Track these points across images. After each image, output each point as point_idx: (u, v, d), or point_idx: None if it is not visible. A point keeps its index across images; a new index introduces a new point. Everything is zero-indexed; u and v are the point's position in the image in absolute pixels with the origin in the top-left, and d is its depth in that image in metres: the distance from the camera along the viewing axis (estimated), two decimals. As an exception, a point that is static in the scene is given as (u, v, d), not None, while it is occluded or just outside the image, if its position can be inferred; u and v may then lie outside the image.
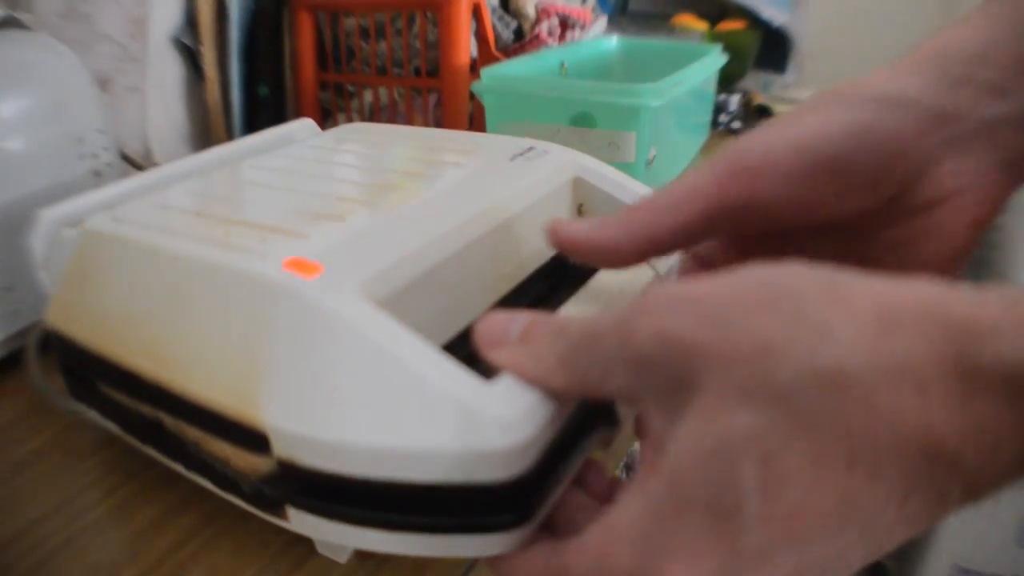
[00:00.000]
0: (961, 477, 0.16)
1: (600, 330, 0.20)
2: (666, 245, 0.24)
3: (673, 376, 0.18)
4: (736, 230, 0.24)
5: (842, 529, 0.17)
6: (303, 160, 0.39)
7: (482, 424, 0.21)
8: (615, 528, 0.19)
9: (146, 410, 0.29)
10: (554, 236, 0.26)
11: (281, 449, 0.24)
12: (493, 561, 0.23)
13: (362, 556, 0.29)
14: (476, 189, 0.34)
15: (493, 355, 0.23)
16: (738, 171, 0.23)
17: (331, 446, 0.23)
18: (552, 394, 0.22)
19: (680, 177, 0.24)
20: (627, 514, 0.19)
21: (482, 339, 0.23)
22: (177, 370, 0.27)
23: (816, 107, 0.24)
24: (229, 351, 0.26)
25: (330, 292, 0.25)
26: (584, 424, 0.26)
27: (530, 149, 0.39)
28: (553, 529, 0.24)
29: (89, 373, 0.32)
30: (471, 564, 0.30)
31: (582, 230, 0.25)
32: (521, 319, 0.23)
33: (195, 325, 0.27)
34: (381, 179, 0.36)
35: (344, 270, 0.26)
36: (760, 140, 0.24)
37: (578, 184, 0.39)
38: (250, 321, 0.26)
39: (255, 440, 0.25)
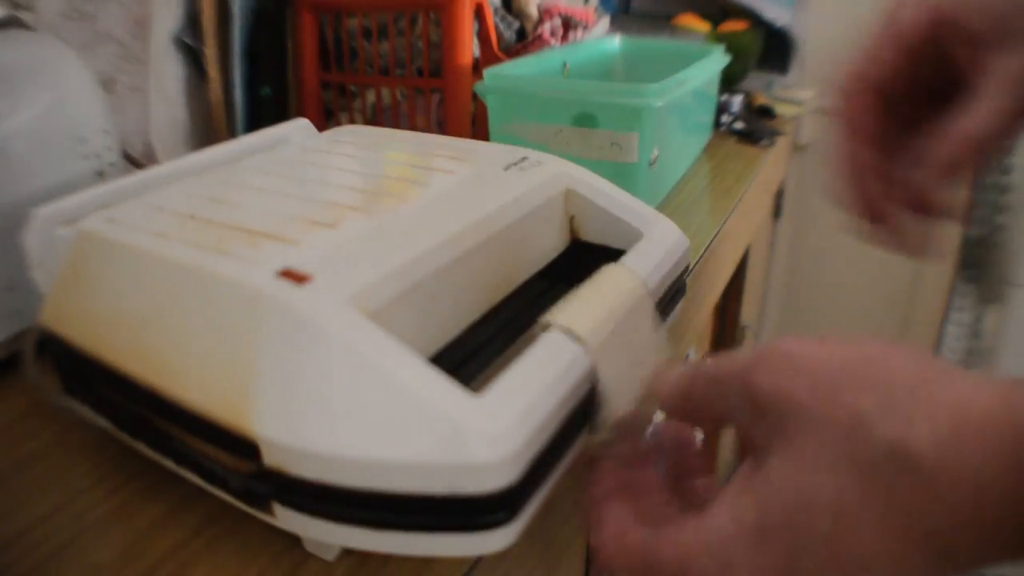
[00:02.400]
0: (1005, 547, 0.19)
1: (724, 376, 0.24)
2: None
3: (781, 422, 0.22)
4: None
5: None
6: (298, 164, 0.39)
7: (468, 437, 0.22)
8: (704, 533, 0.22)
9: (137, 410, 0.29)
10: None
11: (270, 458, 0.24)
12: (594, 531, 0.26)
13: (364, 557, 0.30)
14: (469, 199, 0.34)
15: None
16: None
17: (320, 457, 0.23)
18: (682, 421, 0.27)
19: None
20: (717, 523, 0.22)
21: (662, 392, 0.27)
22: (168, 376, 0.28)
23: None
24: (220, 359, 0.26)
25: (319, 303, 0.25)
26: (571, 426, 0.26)
27: (524, 159, 0.39)
28: (629, 502, 0.27)
29: (82, 372, 0.32)
30: (473, 564, 0.30)
31: None
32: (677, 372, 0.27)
33: (186, 332, 0.27)
34: (374, 185, 0.36)
35: (334, 280, 0.26)
36: None
37: (570, 196, 0.39)
38: (240, 330, 0.26)
39: (245, 448, 0.25)
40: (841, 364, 0.22)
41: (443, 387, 0.23)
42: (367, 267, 0.27)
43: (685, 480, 0.29)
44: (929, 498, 0.19)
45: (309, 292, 0.25)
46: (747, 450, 0.28)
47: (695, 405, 0.26)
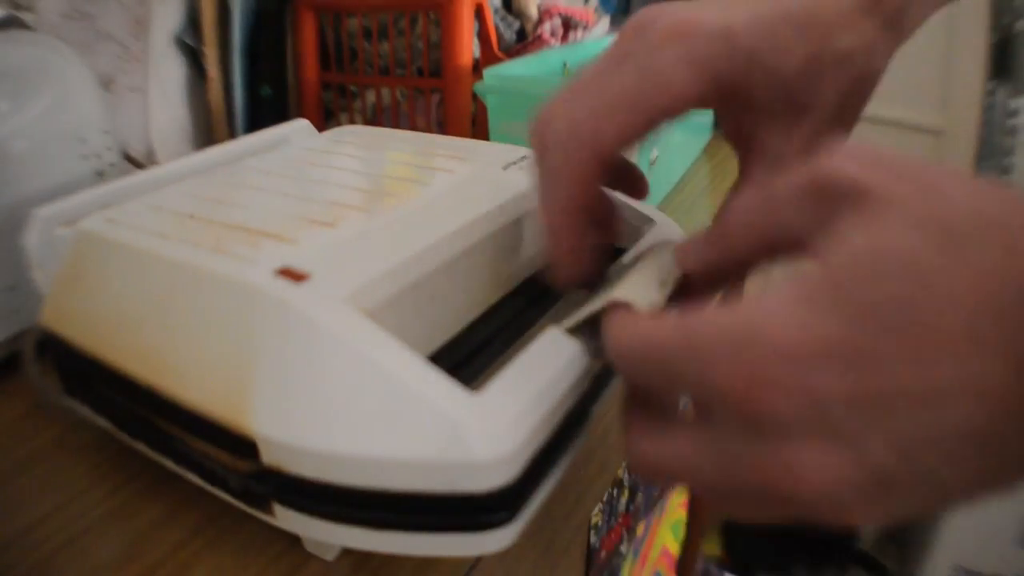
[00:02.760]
0: None
1: (774, 186, 0.22)
2: None
3: (847, 200, 0.20)
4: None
5: (955, 373, 0.17)
6: (297, 163, 0.39)
7: (467, 436, 0.22)
8: (768, 301, 0.20)
9: (137, 410, 0.29)
10: None
11: (269, 456, 0.24)
12: (608, 326, 0.23)
13: (364, 557, 0.30)
14: (468, 197, 0.34)
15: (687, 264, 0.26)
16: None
17: (318, 455, 0.23)
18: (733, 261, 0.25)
19: None
20: (779, 294, 0.20)
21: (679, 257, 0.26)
22: (167, 375, 0.28)
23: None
24: (218, 357, 0.26)
25: (317, 301, 0.25)
26: (572, 424, 0.26)
27: (523, 158, 0.39)
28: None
29: (82, 372, 0.32)
30: (473, 564, 0.30)
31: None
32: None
33: (185, 331, 0.27)
34: (374, 184, 0.36)
35: (332, 279, 0.26)
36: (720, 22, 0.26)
37: None
38: (239, 328, 0.26)
39: (244, 447, 0.25)
40: (917, 161, 0.20)
41: (442, 385, 0.23)
42: (365, 265, 0.27)
43: None
44: (1010, 255, 0.18)
45: (307, 290, 0.25)
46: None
47: (749, 230, 0.23)
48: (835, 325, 0.18)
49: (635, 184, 0.34)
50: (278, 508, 0.26)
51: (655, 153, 0.62)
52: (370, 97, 0.78)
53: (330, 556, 0.29)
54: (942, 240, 0.18)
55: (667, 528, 0.84)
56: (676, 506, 0.88)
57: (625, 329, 0.22)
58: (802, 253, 0.22)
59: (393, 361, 0.23)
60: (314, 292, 0.25)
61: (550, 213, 0.28)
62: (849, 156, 0.21)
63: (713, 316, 0.20)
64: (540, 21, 0.81)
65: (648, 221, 0.37)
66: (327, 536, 0.25)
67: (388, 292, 0.27)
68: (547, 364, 0.25)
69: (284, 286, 0.25)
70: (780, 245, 0.23)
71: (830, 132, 0.28)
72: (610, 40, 0.34)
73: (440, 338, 0.30)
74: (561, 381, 0.25)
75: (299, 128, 0.49)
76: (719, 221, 0.25)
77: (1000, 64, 1.06)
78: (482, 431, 0.22)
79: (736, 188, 0.31)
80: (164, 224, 0.31)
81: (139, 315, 0.29)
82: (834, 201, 0.21)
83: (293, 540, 0.30)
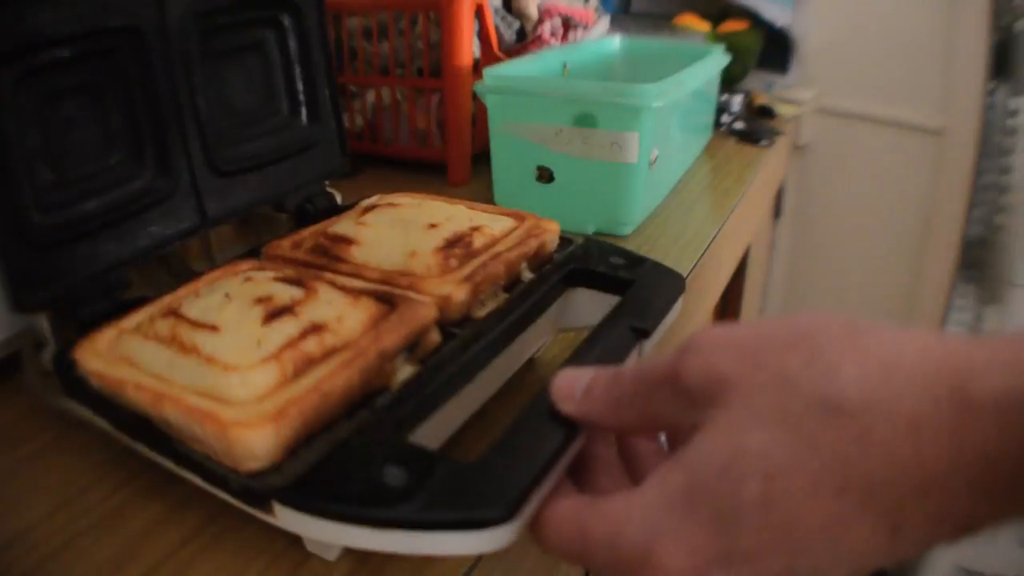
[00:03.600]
0: (953, 512, 0.18)
1: (651, 374, 0.23)
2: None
3: (710, 399, 0.21)
4: None
5: (828, 549, 0.19)
6: None
7: None
8: (634, 506, 0.22)
9: (136, 413, 0.29)
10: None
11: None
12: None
13: (363, 556, 0.29)
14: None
15: (564, 408, 0.26)
16: None
17: None
18: (613, 431, 0.26)
19: None
20: (646, 497, 0.22)
21: (556, 395, 0.26)
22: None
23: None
24: None
25: None
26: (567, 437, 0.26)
27: None
28: (577, 476, 0.27)
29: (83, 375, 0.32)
30: (474, 564, 0.30)
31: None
32: (585, 375, 0.26)
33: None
34: None
35: None
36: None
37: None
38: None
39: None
40: (767, 332, 0.21)
41: None
42: None
43: (634, 453, 0.28)
44: (861, 445, 0.18)
45: None
46: (672, 439, 0.28)
47: (625, 409, 0.24)
48: (704, 533, 0.20)
49: None
50: (278, 508, 0.26)
51: (655, 153, 0.62)
52: (370, 97, 0.78)
53: (331, 556, 0.29)
54: (792, 436, 0.19)
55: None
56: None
57: (543, 511, 0.24)
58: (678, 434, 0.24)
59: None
60: None
61: None
62: (700, 351, 0.22)
63: (601, 515, 0.22)
64: (540, 21, 0.81)
65: None
66: (328, 536, 0.25)
67: None
68: None
69: None
70: (657, 425, 0.25)
71: None
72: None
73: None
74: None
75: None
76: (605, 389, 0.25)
77: (1000, 64, 1.05)
78: None
79: None
80: None
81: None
82: (693, 394, 0.22)
83: (293, 540, 0.30)
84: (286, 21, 0.47)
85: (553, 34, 0.81)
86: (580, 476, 0.27)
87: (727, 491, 0.19)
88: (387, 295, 0.34)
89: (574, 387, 0.26)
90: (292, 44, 0.48)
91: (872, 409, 0.18)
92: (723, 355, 0.21)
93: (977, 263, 1.13)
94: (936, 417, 0.17)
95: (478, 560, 0.30)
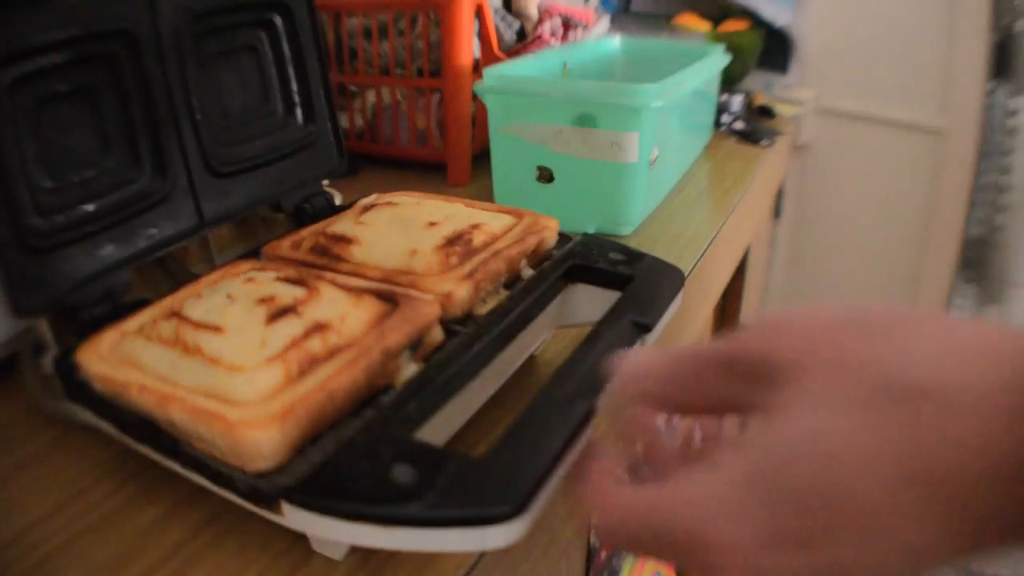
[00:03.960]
0: (1017, 507, 0.17)
1: (714, 355, 0.23)
2: None
3: (773, 379, 0.21)
4: None
5: (882, 537, 0.18)
6: None
7: None
8: (697, 485, 0.21)
9: (142, 415, 0.29)
10: None
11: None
12: (586, 488, 0.24)
13: (365, 555, 0.29)
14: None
15: (630, 389, 0.25)
16: None
17: None
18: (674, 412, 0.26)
19: None
20: (706, 477, 0.21)
21: (622, 376, 0.26)
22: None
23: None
24: None
25: None
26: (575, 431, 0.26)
27: None
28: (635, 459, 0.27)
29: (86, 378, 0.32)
30: (474, 563, 0.30)
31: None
32: (646, 357, 0.25)
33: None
34: None
35: None
36: None
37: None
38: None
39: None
40: (826, 317, 0.21)
41: None
42: None
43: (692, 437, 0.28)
44: (930, 427, 0.18)
45: None
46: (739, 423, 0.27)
47: (687, 390, 0.24)
48: (763, 516, 0.19)
49: None
50: (287, 508, 0.26)
51: (655, 153, 0.62)
52: (370, 97, 0.78)
53: (338, 555, 0.29)
54: (853, 419, 0.19)
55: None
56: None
57: (602, 497, 0.24)
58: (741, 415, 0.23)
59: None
60: None
61: None
62: (761, 335, 0.22)
63: (673, 500, 0.21)
64: (540, 21, 0.81)
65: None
66: (336, 534, 0.25)
67: None
68: None
69: None
70: (719, 406, 0.24)
71: None
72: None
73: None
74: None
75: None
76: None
77: (1000, 64, 1.06)
78: None
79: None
80: None
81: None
82: (756, 374, 0.22)
83: (294, 539, 0.30)
84: (277, 22, 0.47)
85: (553, 34, 0.81)
86: (639, 458, 0.27)
87: (788, 474, 0.19)
88: (389, 294, 0.34)
89: (638, 368, 0.26)
90: (285, 44, 0.48)
91: (938, 388, 0.18)
92: (785, 338, 0.21)
93: (977, 263, 1.13)
94: (1003, 399, 0.17)
95: (478, 560, 0.30)
